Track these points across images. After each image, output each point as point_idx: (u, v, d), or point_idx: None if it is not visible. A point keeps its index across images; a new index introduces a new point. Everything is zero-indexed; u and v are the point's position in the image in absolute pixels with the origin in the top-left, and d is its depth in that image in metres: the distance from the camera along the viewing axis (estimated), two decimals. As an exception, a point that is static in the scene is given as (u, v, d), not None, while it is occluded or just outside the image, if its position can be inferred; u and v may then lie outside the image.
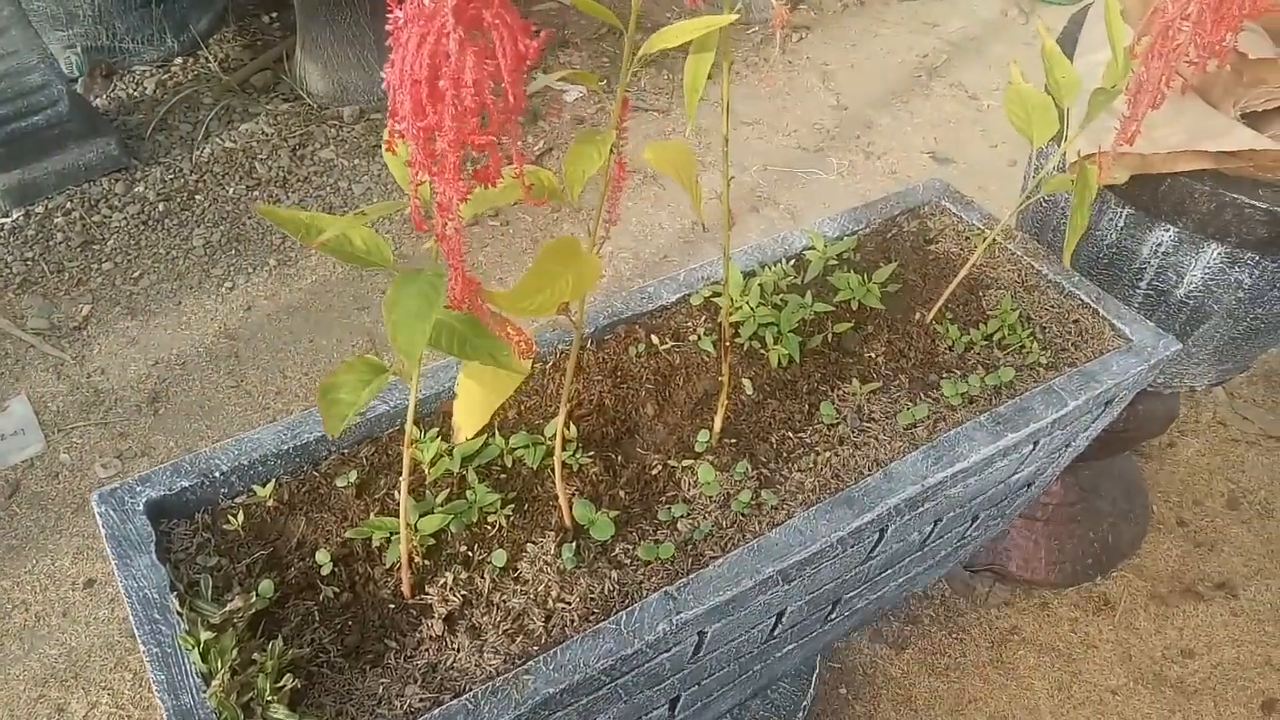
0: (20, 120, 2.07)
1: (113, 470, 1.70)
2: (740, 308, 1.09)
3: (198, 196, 2.23)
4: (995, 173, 2.47)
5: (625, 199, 2.19)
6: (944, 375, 1.04)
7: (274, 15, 2.76)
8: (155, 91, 2.48)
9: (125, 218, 2.15)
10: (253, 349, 1.94)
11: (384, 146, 0.62)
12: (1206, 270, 1.20)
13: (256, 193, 2.26)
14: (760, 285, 1.11)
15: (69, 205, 2.15)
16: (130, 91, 2.47)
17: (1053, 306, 1.14)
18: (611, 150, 0.67)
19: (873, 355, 1.07)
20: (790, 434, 0.98)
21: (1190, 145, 1.09)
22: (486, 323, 0.67)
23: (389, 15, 0.58)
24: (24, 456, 1.71)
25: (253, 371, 1.89)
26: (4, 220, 2.11)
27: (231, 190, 2.25)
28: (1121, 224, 1.23)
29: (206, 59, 2.57)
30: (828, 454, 0.96)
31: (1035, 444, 1.05)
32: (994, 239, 1.17)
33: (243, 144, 2.37)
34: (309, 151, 2.38)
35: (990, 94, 2.76)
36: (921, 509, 0.98)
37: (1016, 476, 1.13)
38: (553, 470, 0.89)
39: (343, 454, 0.95)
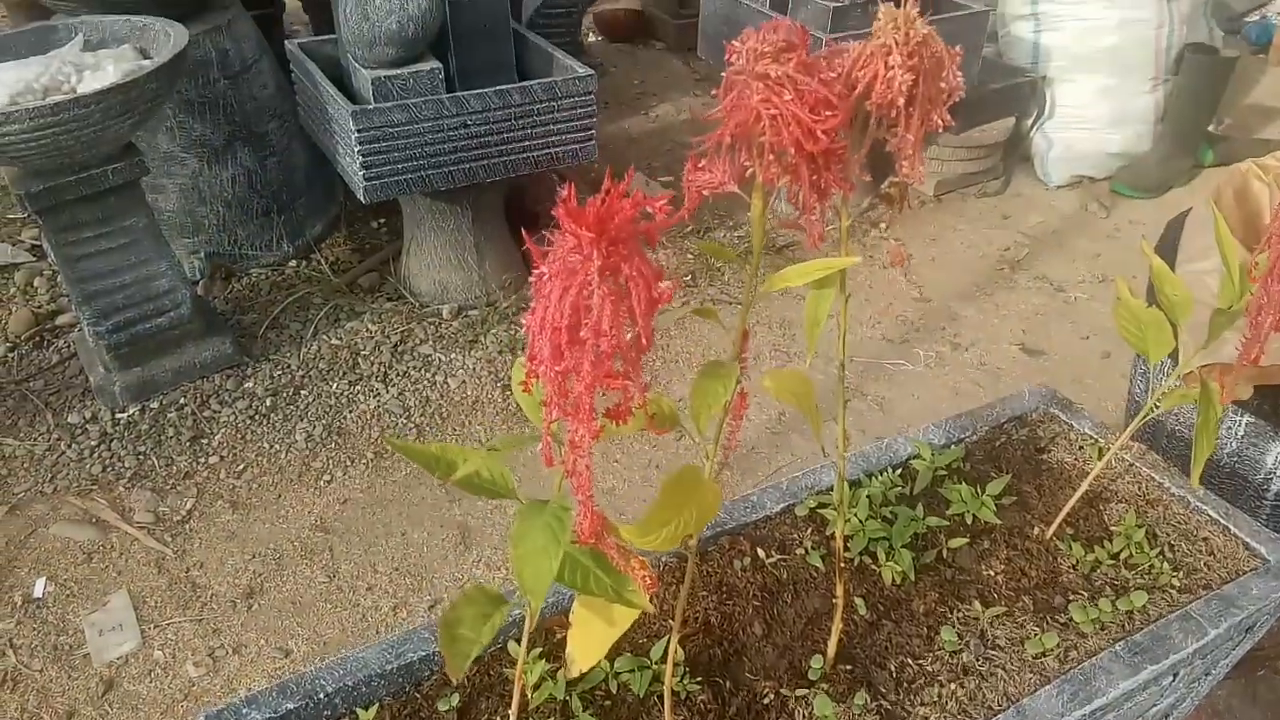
0: (145, 323, 2.21)
1: (204, 669, 1.69)
2: (849, 520, 1.06)
3: (303, 392, 2.32)
4: (1089, 366, 2.43)
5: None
6: (1070, 598, 0.98)
7: (382, 221, 2.96)
8: (270, 292, 2.64)
9: (234, 413, 2.25)
10: (346, 542, 1.96)
11: (519, 386, 0.64)
12: (1341, 481, 1.14)
13: (358, 387, 2.35)
14: (868, 496, 1.09)
15: (182, 400, 2.26)
16: (247, 292, 2.64)
17: (1179, 523, 1.08)
18: (736, 382, 0.68)
19: (991, 574, 1.03)
20: (910, 660, 0.93)
21: (1313, 356, 1.06)
22: (611, 557, 0.66)
23: (535, 270, 0.61)
24: (120, 653, 1.72)
25: (345, 565, 1.90)
26: (120, 415, 2.22)
27: (335, 385, 2.35)
28: (1241, 432, 1.18)
29: (319, 262, 2.75)
30: (953, 685, 0.90)
31: (1175, 675, 0.98)
32: (1112, 453, 1.14)
33: (347, 341, 2.49)
34: (409, 347, 2.49)
35: (1076, 285, 2.77)
36: (1058, 750, 0.90)
37: (1155, 708, 1.04)
38: (659, 697, 0.86)
39: (445, 674, 0.93)
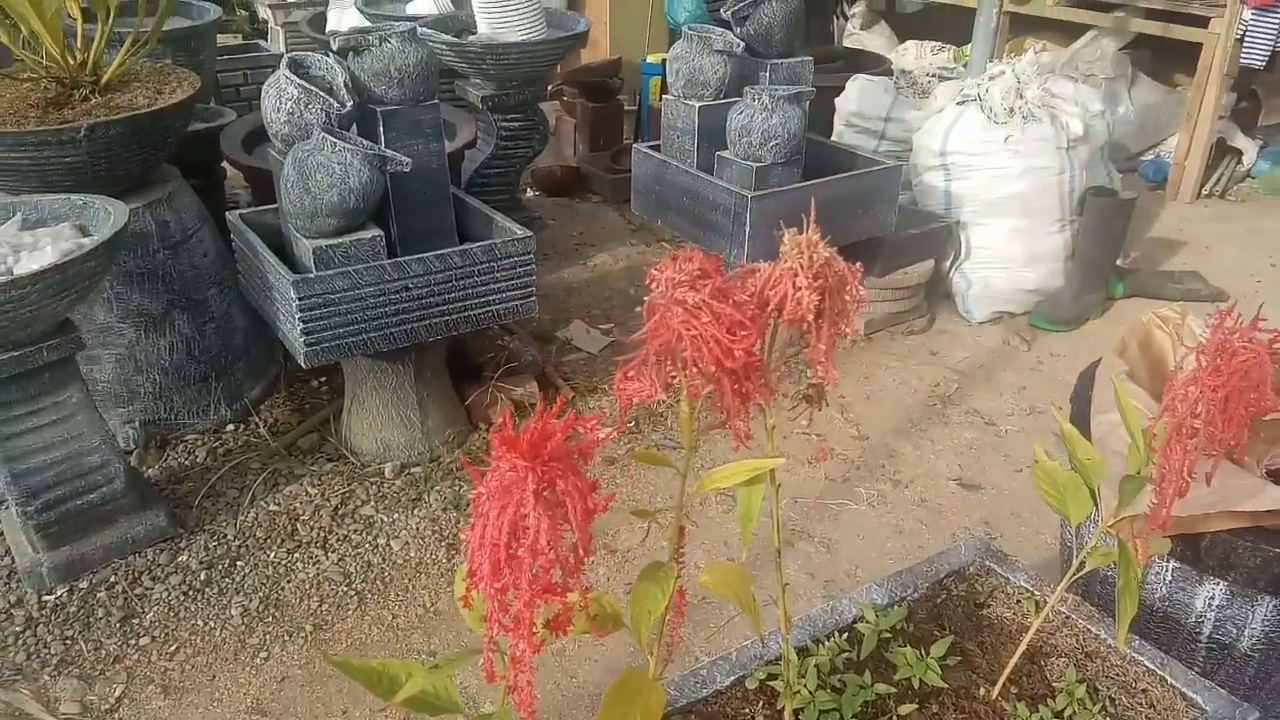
0: (76, 499, 2.16)
1: None
2: (799, 692, 1.06)
3: (239, 563, 2.26)
4: (1025, 499, 2.49)
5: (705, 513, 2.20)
6: (1020, 763, 0.99)
7: (323, 380, 2.95)
8: (205, 459, 2.60)
9: (167, 589, 2.17)
10: (284, 725, 1.88)
11: (459, 600, 0.65)
12: (1266, 623, 1.18)
13: (297, 555, 2.29)
14: (816, 665, 1.09)
15: (113, 578, 2.19)
16: (182, 460, 2.60)
17: (1117, 675, 1.10)
18: (674, 581, 0.70)
19: (941, 741, 1.03)
20: (866, 842, 0.92)
21: (1223, 506, 1.11)
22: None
23: (476, 490, 0.63)
24: None
25: (283, 751, 1.81)
26: (47, 598, 2.13)
27: (273, 554, 2.29)
28: (1169, 577, 1.22)
29: (257, 425, 2.72)
30: None
31: (1130, 836, 0.98)
32: (1049, 608, 1.16)
33: (286, 506, 2.45)
34: (350, 509, 2.45)
35: (1006, 419, 2.86)
36: None
37: None
38: None
39: None
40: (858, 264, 0.67)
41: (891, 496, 2.53)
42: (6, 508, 2.36)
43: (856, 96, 3.58)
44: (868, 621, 1.14)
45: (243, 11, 5.89)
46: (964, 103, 3.27)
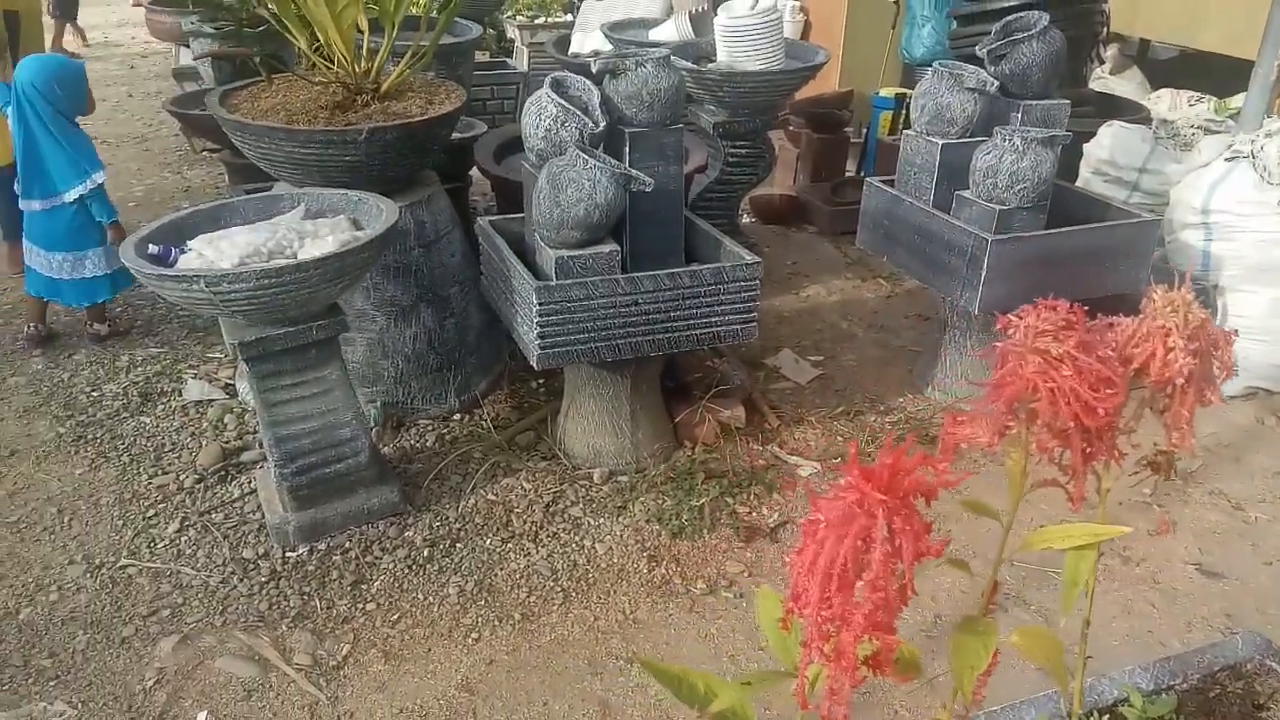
0: (325, 467, 2.35)
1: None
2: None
3: (458, 545, 2.39)
4: (1275, 594, 2.26)
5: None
6: None
7: (540, 381, 3.09)
8: (434, 444, 2.77)
9: (394, 560, 2.33)
10: (490, 706, 1.96)
11: (774, 623, 0.66)
12: None
13: (510, 545, 2.40)
14: (1074, 743, 1.03)
15: (348, 544, 2.36)
16: (413, 442, 2.78)
17: None
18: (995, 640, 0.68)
19: None
20: None
21: None
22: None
23: (813, 515, 0.64)
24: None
25: (486, 731, 1.90)
26: (290, 554, 2.33)
27: (488, 541, 2.41)
28: None
29: (481, 417, 2.88)
30: None
31: None
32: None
33: (503, 497, 2.57)
34: (560, 508, 2.54)
35: (1255, 504, 2.61)
36: None
37: None
38: None
39: None
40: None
41: (1120, 573, 2.36)
42: (262, 467, 2.61)
43: (1110, 144, 3.39)
44: (1133, 706, 1.07)
45: (491, 31, 6.27)
46: (1234, 159, 3.03)
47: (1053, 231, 2.68)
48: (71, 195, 3.12)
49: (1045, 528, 0.66)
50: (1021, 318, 0.60)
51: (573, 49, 4.60)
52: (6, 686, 1.98)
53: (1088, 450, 0.61)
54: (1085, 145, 3.48)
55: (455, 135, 3.25)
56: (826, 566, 0.62)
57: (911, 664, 0.69)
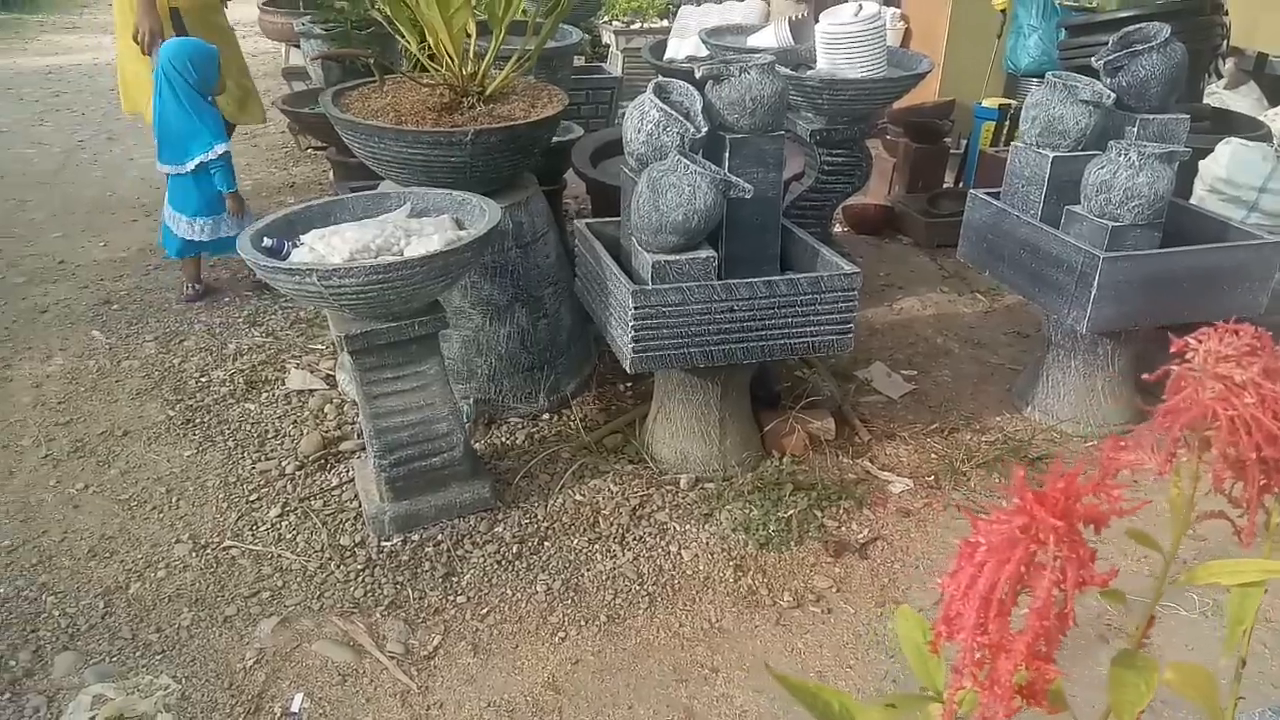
0: (422, 460, 2.40)
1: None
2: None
3: (546, 543, 2.41)
4: (1403, 641, 2.13)
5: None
6: None
7: (629, 385, 3.10)
8: (524, 442, 2.80)
9: (484, 555, 2.36)
10: (575, 706, 1.98)
11: (923, 645, 0.64)
12: None
13: (597, 546, 2.41)
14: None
15: (440, 537, 2.41)
16: (504, 440, 2.82)
17: None
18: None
19: None
20: None
21: None
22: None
23: (974, 536, 0.62)
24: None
25: (571, 730, 1.91)
26: (385, 544, 2.38)
27: (576, 541, 2.42)
28: None
29: (570, 418, 2.90)
30: None
31: None
32: None
33: (590, 498, 2.58)
34: (647, 512, 2.54)
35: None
36: None
37: None
38: None
39: None
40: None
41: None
42: (359, 457, 2.67)
43: (1228, 161, 3.24)
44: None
45: (586, 35, 6.34)
46: (1365, 178, 2.87)
47: (1168, 250, 2.58)
48: (193, 162, 3.46)
49: (1213, 561, 0.63)
50: (1201, 340, 0.58)
51: (668, 54, 4.60)
52: (115, 658, 2.07)
53: (1265, 483, 0.58)
54: (1201, 162, 3.34)
55: (555, 138, 3.29)
56: (985, 591, 0.60)
57: (1059, 696, 0.67)
